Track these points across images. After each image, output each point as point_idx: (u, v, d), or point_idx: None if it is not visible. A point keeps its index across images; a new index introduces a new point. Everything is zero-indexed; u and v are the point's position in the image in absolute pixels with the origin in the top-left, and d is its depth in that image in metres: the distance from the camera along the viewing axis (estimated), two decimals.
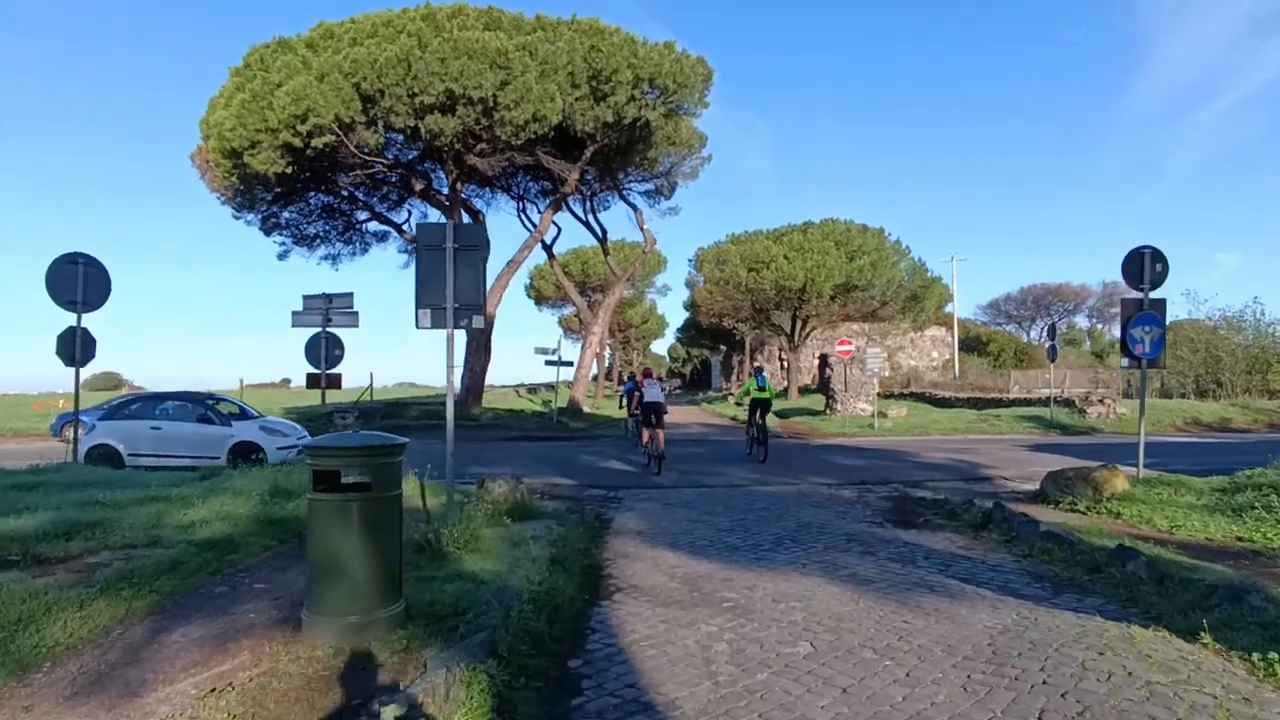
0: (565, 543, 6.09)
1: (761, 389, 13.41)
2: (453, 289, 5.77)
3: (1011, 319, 76.32)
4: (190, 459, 11.73)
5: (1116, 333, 67.79)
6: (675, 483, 10.89)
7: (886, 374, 20.56)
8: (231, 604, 4.55)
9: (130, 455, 11.80)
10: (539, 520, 7.22)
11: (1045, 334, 20.31)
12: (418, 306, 5.85)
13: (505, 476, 7.83)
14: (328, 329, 10.14)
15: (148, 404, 12.67)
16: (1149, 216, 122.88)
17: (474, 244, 5.83)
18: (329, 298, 10.00)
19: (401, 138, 26.89)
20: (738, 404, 17.90)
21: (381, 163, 22.67)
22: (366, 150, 21.18)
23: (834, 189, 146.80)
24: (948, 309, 49.22)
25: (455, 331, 6.04)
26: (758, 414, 13.46)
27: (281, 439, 12.51)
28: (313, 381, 10.31)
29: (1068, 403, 21.13)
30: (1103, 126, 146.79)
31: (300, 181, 25.08)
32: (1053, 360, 19.60)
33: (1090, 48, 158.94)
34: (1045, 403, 23.31)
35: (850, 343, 21.59)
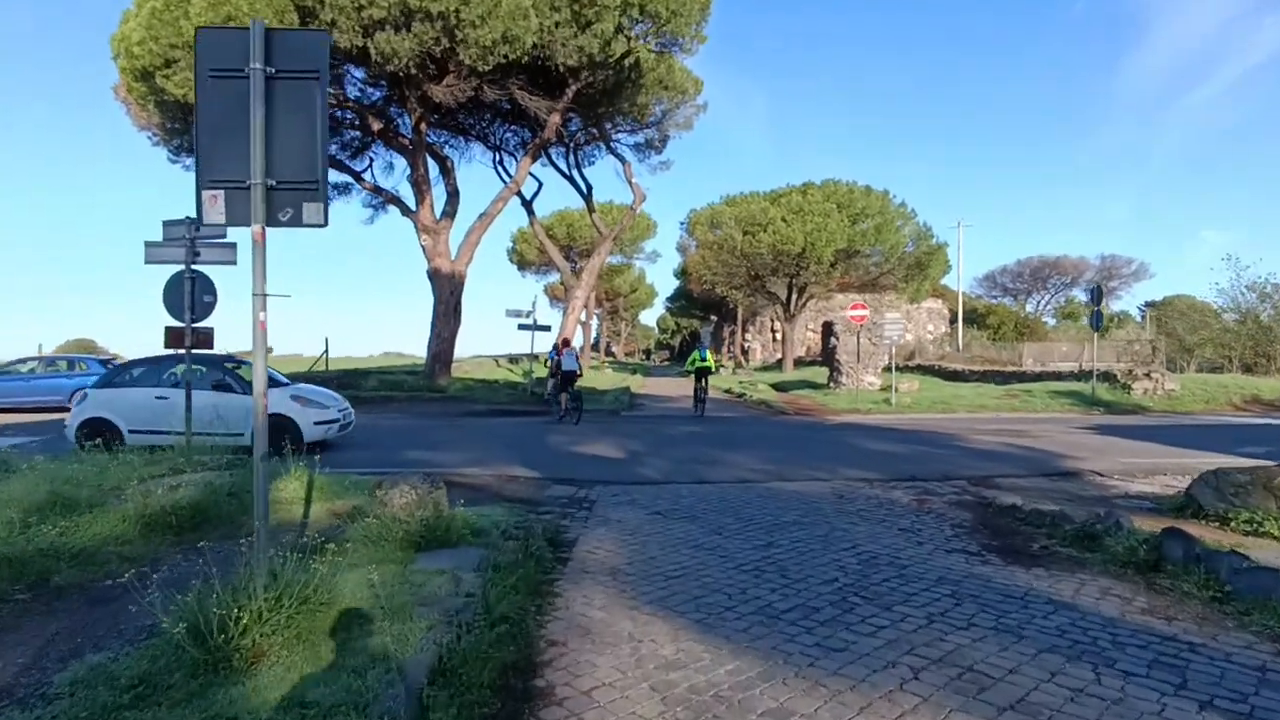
0: (483, 606, 3.51)
1: (703, 360, 16.59)
2: (263, 152, 3.09)
3: (1008, 292, 74.23)
4: (210, 437, 9.51)
5: (1115, 306, 65.13)
6: (668, 476, 8.33)
7: (903, 343, 18.09)
8: None
9: (131, 432, 9.68)
10: (458, 550, 4.65)
11: (1090, 298, 17.57)
12: (200, 185, 3.17)
13: (414, 478, 5.21)
14: (193, 266, 7.41)
15: (152, 369, 10.35)
16: (1141, 192, 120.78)
17: (305, 69, 3.15)
18: (194, 224, 7.27)
19: (362, 73, 23.97)
20: (685, 374, 19.52)
21: (329, 94, 19.57)
22: None
23: (830, 161, 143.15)
24: (942, 280, 46.81)
25: (272, 231, 3.34)
26: (701, 380, 16.43)
27: (318, 411, 10.16)
28: (173, 338, 7.56)
29: (1107, 377, 18.76)
30: (1098, 102, 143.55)
31: None
32: (1097, 328, 17.09)
33: (1087, 22, 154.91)
34: (1076, 376, 20.98)
35: (864, 307, 19.02)
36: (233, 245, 7.50)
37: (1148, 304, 59.51)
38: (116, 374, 10.51)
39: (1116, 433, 12.27)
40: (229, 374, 10.27)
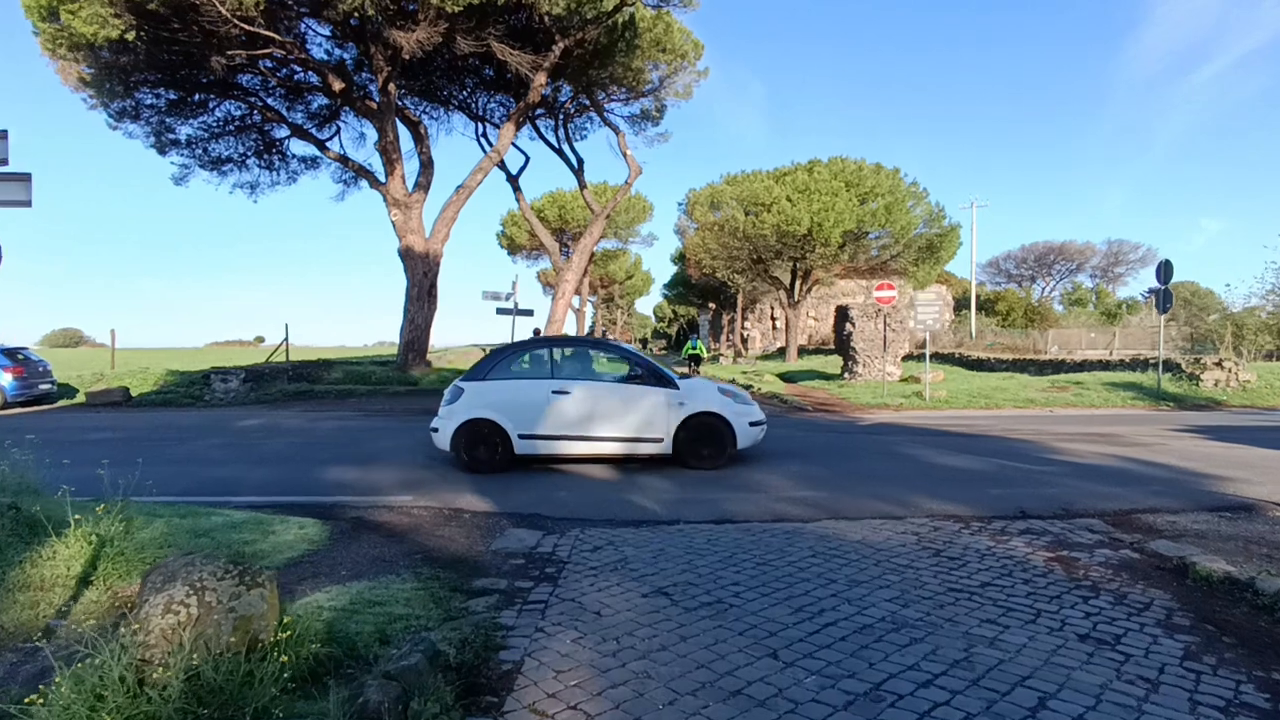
0: None
1: (694, 348, 21.03)
2: None
3: (1011, 278, 72.43)
4: (621, 443, 7.70)
5: (1121, 293, 62.89)
6: (674, 510, 5.94)
7: (922, 330, 15.72)
8: None
9: (522, 437, 7.67)
10: None
11: (1159, 273, 14.72)
12: None
13: (210, 567, 2.81)
14: None
15: (536, 354, 8.28)
16: (1139, 180, 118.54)
17: None
18: None
19: (328, 30, 21.47)
20: (682, 361, 20.89)
21: (274, 41, 16.97)
22: (248, 19, 15.51)
23: (827, 147, 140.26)
24: (946, 266, 44.45)
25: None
26: (692, 364, 19.50)
27: (746, 410, 8.06)
28: None
29: (1168, 366, 16.45)
30: (1099, 89, 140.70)
31: (178, 75, 19.40)
32: (1164, 311, 14.69)
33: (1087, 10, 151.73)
34: (1129, 365, 18.66)
35: (892, 287, 16.63)
36: (25, 177, 5.02)
37: (1150, 291, 57.34)
38: (492, 362, 8.15)
39: (1228, 436, 9.89)
40: (637, 362, 8.07)
